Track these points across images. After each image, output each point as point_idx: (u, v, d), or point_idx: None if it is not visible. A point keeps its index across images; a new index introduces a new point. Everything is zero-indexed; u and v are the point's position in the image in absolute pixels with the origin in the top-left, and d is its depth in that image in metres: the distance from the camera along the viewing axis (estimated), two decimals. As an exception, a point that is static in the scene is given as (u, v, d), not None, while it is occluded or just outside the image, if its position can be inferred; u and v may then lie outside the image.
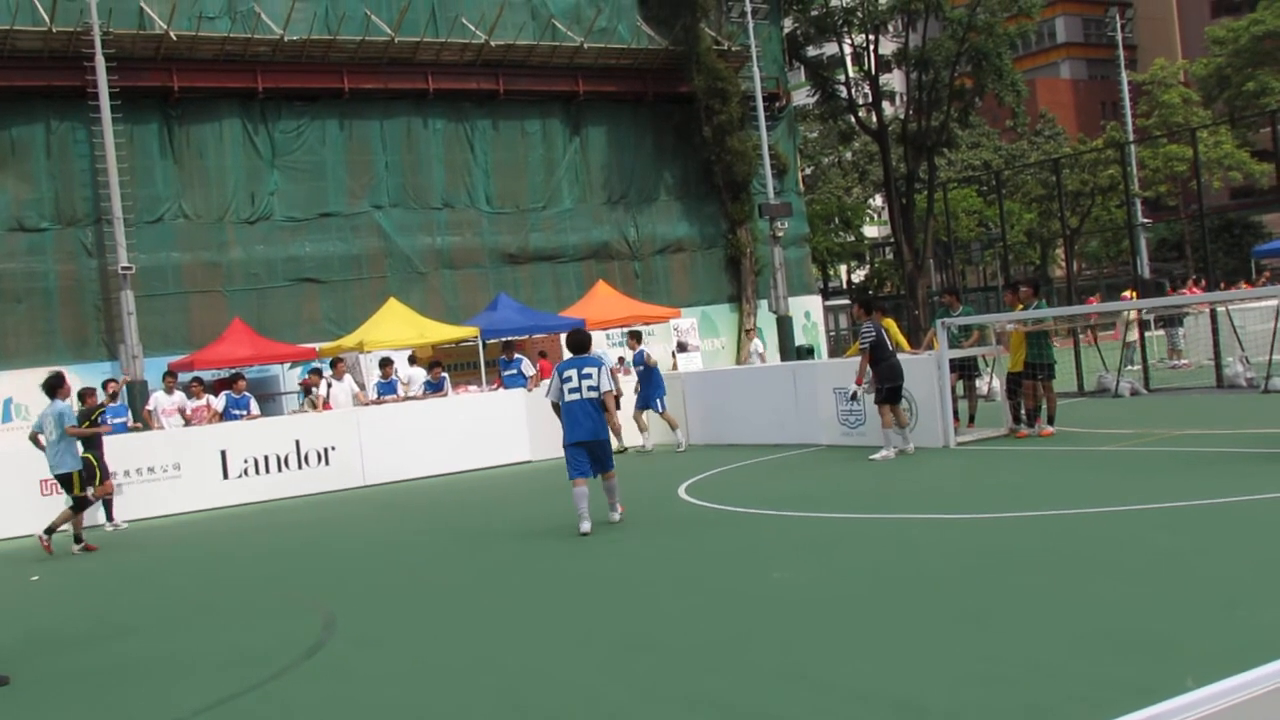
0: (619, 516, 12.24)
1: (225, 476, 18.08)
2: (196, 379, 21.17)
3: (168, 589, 11.43)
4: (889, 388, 15.33)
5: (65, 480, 14.72)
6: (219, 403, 19.36)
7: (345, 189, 32.31)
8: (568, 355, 12.70)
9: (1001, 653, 6.16)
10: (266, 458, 18.34)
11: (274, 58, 30.96)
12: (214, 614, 9.77)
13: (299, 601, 9.85)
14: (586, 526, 11.60)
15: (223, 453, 18.11)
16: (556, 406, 12.09)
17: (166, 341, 28.81)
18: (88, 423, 15.22)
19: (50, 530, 14.66)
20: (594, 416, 11.81)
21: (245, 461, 18.06)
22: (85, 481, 14.85)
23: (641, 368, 20.50)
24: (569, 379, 11.97)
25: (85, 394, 15.88)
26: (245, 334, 27.62)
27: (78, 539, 14.81)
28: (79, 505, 14.79)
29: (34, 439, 14.88)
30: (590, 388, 11.87)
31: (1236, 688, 2.16)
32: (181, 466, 17.80)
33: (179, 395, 19.56)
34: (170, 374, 20.83)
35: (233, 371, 21.72)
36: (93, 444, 15.44)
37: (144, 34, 29.10)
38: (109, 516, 16.88)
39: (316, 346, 28.37)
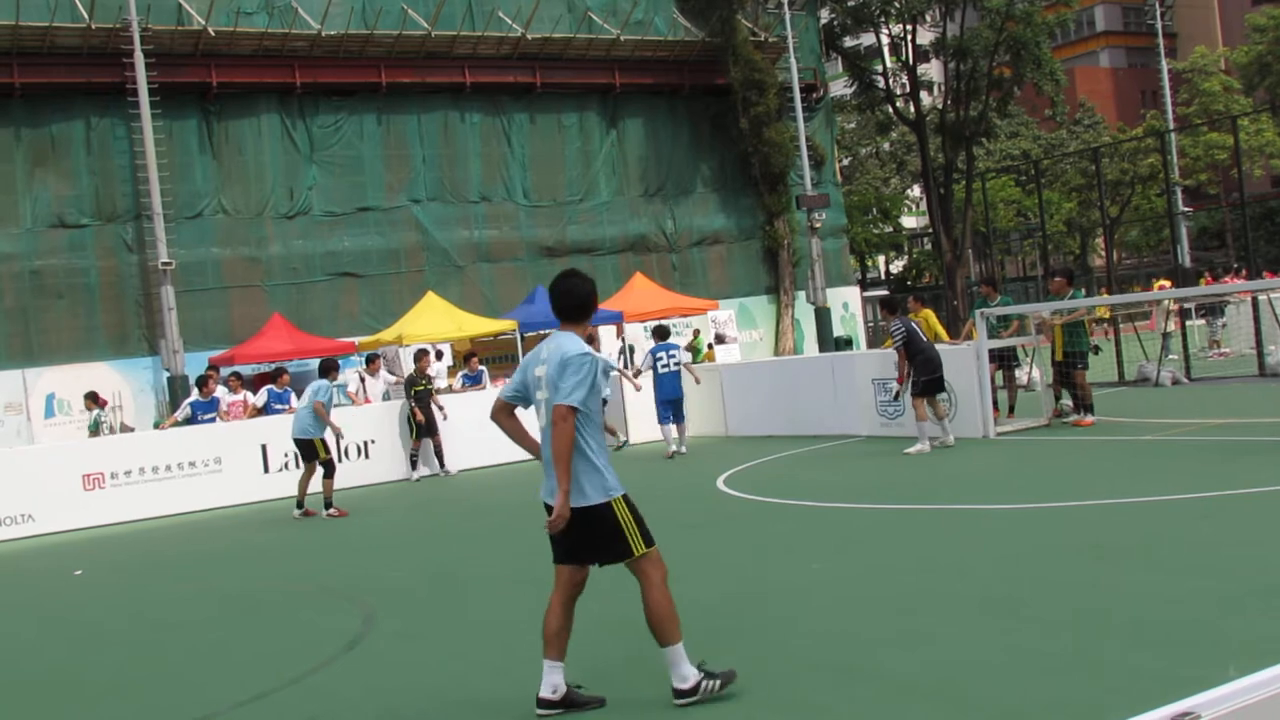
0: (684, 449, 18.14)
1: (266, 470, 18.21)
2: (235, 374, 21.33)
3: (209, 587, 11.53)
4: (926, 380, 15.17)
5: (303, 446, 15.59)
6: (260, 398, 19.50)
7: (383, 183, 32.48)
8: (655, 342, 18.85)
9: (1040, 644, 6.14)
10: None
11: (311, 52, 31.16)
12: (256, 608, 9.85)
13: (340, 596, 9.92)
14: (672, 449, 18.07)
15: (263, 447, 18.23)
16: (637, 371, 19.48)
17: (207, 336, 29.07)
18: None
19: (328, 503, 15.41)
20: (675, 382, 18.20)
21: (286, 456, 18.17)
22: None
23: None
24: (660, 358, 18.27)
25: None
26: (285, 329, 27.82)
27: (327, 504, 15.45)
28: (327, 470, 15.55)
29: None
30: (675, 363, 18.34)
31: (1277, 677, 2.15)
32: (222, 461, 17.94)
33: (221, 389, 19.73)
34: (212, 369, 21.03)
35: (276, 366, 21.89)
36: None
37: (182, 30, 29.35)
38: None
39: (355, 340, 28.56)
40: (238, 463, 18.01)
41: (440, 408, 19.27)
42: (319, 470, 15.68)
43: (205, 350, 27.81)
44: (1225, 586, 6.90)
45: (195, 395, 19.07)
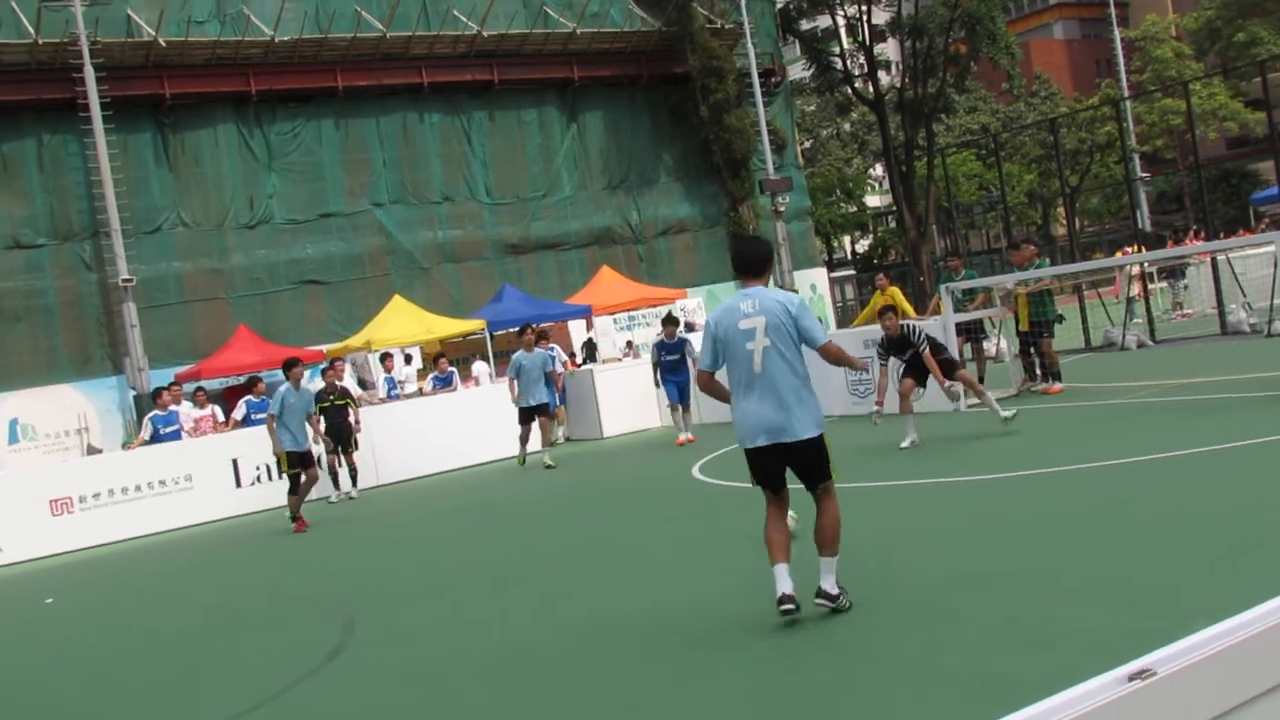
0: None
1: (238, 485, 18.08)
2: (200, 389, 21.14)
3: (184, 605, 11.47)
4: (943, 359, 13.87)
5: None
6: (238, 410, 19.21)
7: (344, 188, 32.30)
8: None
9: (1002, 606, 6.20)
10: (277, 463, 18.21)
11: (266, 59, 30.93)
12: (234, 622, 9.81)
13: (318, 606, 9.89)
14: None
15: (234, 461, 18.10)
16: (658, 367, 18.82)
17: (171, 352, 28.78)
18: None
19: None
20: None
21: (258, 470, 18.05)
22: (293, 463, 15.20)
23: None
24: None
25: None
26: (251, 340, 27.63)
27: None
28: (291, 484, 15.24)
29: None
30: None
31: (1240, 626, 2.16)
32: (193, 478, 17.78)
33: (186, 405, 19.57)
34: (175, 384, 20.79)
35: (249, 376, 21.64)
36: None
37: (133, 42, 29.07)
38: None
39: (324, 348, 28.38)
40: (209, 479, 17.85)
41: (356, 422, 18.04)
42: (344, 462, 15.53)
43: (171, 366, 27.51)
44: (1188, 544, 6.96)
45: (155, 410, 18.86)
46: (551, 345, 21.20)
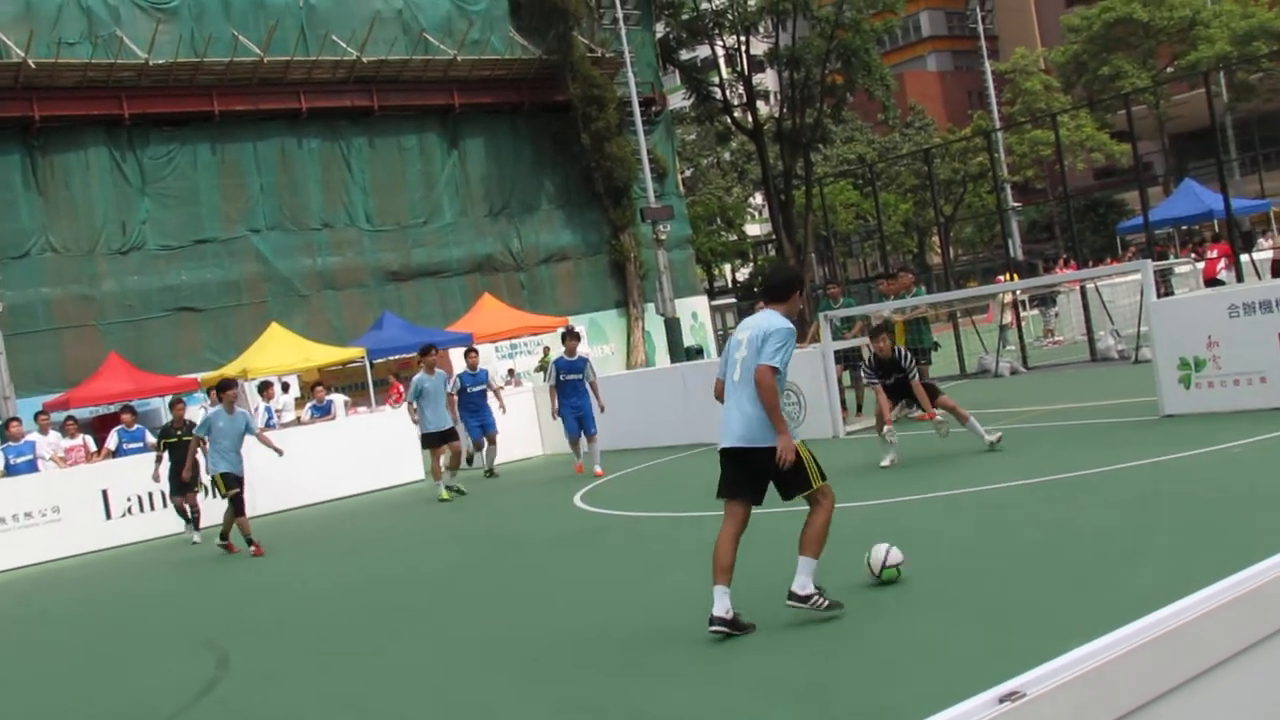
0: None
1: (108, 517, 17.54)
2: (70, 418, 20.51)
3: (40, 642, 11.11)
4: (893, 382, 13.23)
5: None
6: (111, 440, 18.58)
7: (220, 214, 31.75)
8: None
9: (887, 629, 6.28)
10: (150, 495, 17.75)
11: (139, 82, 30.33)
12: (101, 662, 9.52)
13: (191, 640, 9.64)
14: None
15: (104, 492, 17.56)
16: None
17: (40, 381, 27.96)
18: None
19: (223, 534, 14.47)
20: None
21: (129, 501, 17.55)
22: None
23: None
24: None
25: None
26: (123, 368, 26.94)
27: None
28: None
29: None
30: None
31: (1108, 645, 2.22)
32: (61, 509, 17.21)
33: (54, 436, 18.96)
34: (43, 413, 20.11)
35: (122, 405, 21.00)
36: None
37: (1, 63, 28.27)
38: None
39: (198, 377, 27.79)
40: (78, 510, 17.27)
41: (207, 455, 15.87)
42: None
43: (39, 395, 26.67)
44: (1061, 565, 7.13)
45: (8, 442, 18.17)
46: (482, 368, 19.41)
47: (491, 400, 18.54)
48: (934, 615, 6.50)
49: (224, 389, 14.64)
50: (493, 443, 18.58)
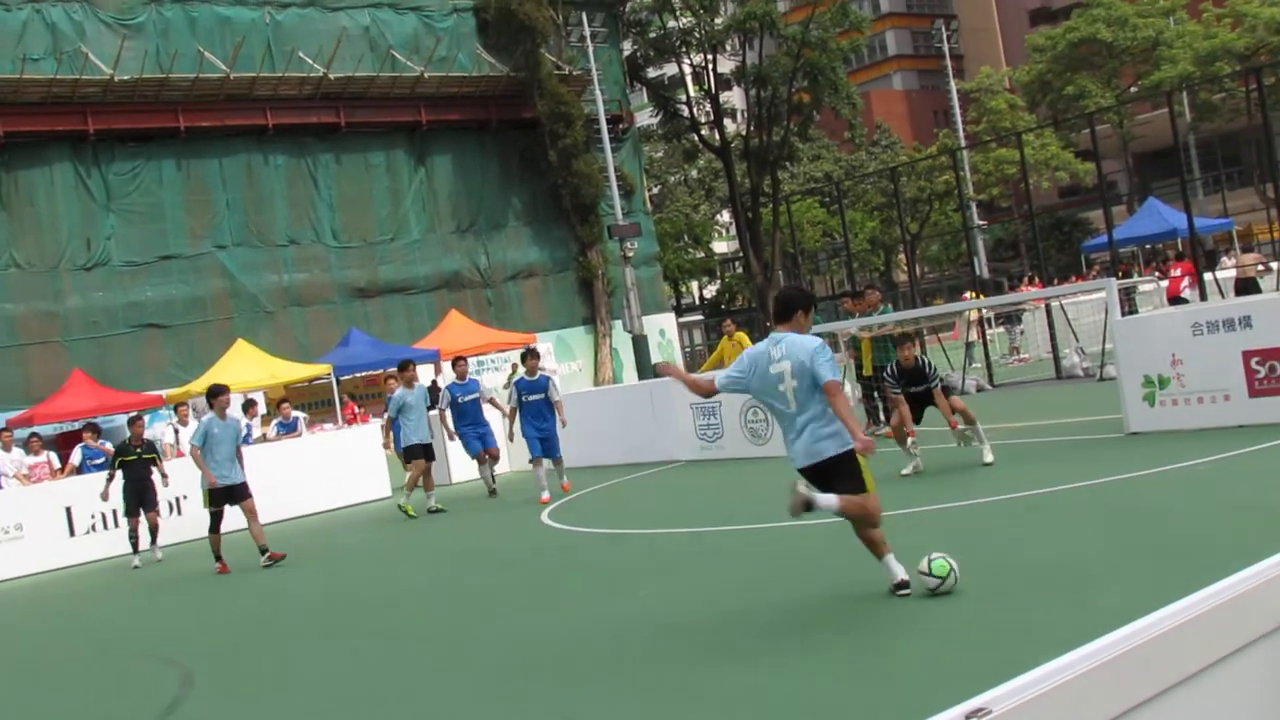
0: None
1: (71, 534, 17.38)
2: (34, 434, 20.33)
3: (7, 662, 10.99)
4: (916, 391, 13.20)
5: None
6: (75, 456, 18.37)
7: (186, 230, 31.58)
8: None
9: (838, 648, 6.29)
10: (115, 511, 17.56)
11: (104, 98, 30.17)
12: (64, 679, 9.42)
13: (155, 658, 9.56)
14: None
15: (68, 509, 17.40)
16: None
17: (3, 397, 27.76)
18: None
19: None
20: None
21: (92, 518, 17.39)
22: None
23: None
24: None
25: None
26: (87, 385, 26.73)
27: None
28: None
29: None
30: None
31: (1074, 662, 2.23)
32: (23, 526, 17.05)
33: (18, 453, 18.77)
34: (6, 430, 19.92)
35: (86, 422, 20.80)
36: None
37: (-37, 80, 28.11)
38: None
39: (163, 393, 27.60)
40: (40, 527, 17.10)
41: (164, 476, 16.09)
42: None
43: (2, 411, 26.45)
44: (1030, 581, 7.16)
45: None
46: (472, 378, 18.63)
47: (489, 411, 17.74)
48: (901, 631, 6.52)
49: (216, 394, 13.88)
50: (495, 459, 17.86)
